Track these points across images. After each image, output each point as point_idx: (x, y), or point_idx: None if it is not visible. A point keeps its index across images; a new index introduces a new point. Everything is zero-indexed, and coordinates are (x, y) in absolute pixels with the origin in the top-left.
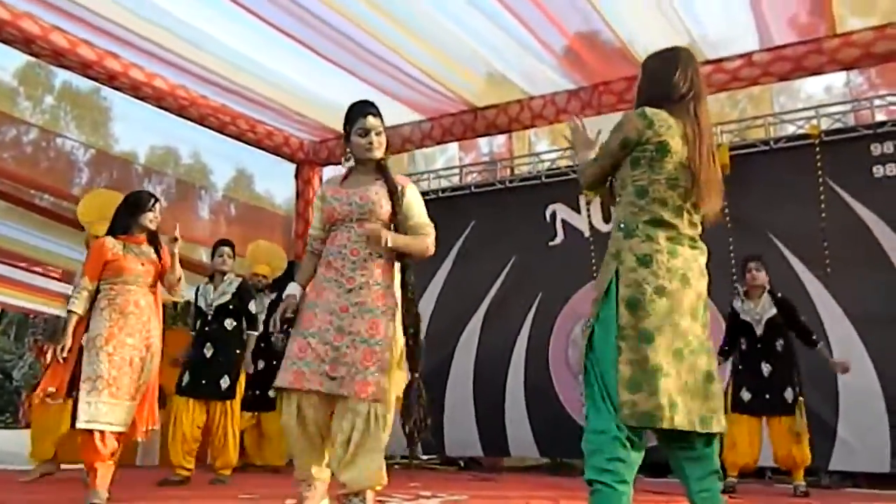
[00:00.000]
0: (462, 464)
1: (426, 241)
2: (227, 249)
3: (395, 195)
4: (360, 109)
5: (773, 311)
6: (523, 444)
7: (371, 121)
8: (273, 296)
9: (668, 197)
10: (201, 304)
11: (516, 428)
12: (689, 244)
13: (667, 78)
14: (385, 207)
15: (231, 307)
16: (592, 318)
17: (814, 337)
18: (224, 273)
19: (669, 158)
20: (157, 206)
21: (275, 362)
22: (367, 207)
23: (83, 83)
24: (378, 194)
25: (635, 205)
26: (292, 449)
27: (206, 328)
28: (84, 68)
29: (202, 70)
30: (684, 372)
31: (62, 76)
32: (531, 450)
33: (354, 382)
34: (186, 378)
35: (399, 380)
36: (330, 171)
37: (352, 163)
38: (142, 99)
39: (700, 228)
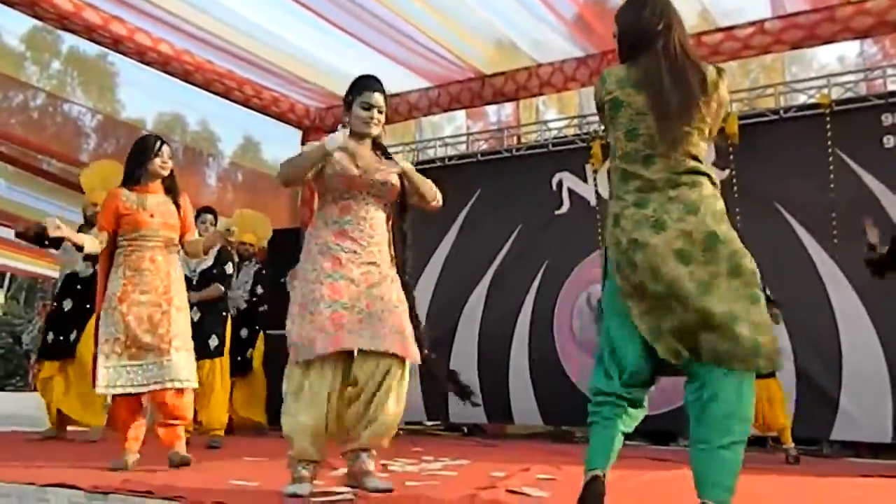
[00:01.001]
0: (466, 430)
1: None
2: (209, 217)
3: (403, 176)
4: (368, 84)
5: None
6: (527, 411)
7: (377, 97)
8: (257, 266)
9: (631, 149)
10: (185, 271)
11: (520, 396)
12: (667, 186)
13: (631, 27)
14: (398, 187)
15: (214, 272)
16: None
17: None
18: None
19: (624, 111)
20: (165, 148)
21: (257, 328)
22: (388, 188)
23: (90, 48)
24: (395, 178)
25: (612, 166)
26: (305, 425)
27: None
28: (89, 32)
29: (208, 35)
30: (679, 313)
31: (69, 41)
32: (535, 417)
33: (396, 343)
34: None
35: None
36: None
37: (347, 131)
38: (147, 64)
39: (691, 160)
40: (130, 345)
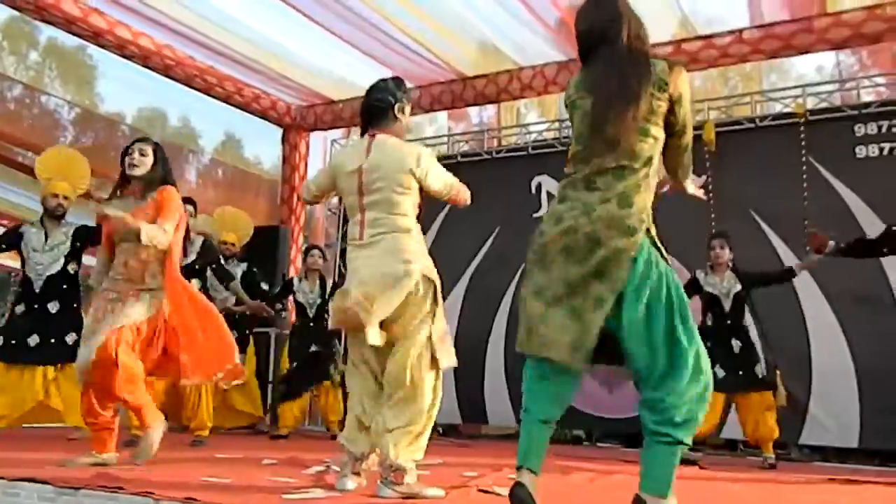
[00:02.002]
0: (441, 430)
1: None
2: (189, 207)
3: None
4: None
5: (739, 286)
6: (501, 412)
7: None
8: (244, 265)
9: (576, 150)
10: None
11: (495, 397)
12: (585, 186)
13: (583, 30)
14: None
15: (197, 267)
16: None
17: (787, 269)
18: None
19: (576, 115)
20: (137, 145)
21: (247, 331)
22: None
23: (69, 40)
24: None
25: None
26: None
27: None
28: (68, 24)
29: (189, 30)
30: (561, 310)
31: (47, 32)
32: (509, 418)
33: None
34: None
35: None
36: (317, 137)
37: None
38: (128, 58)
39: (629, 157)
40: (86, 333)
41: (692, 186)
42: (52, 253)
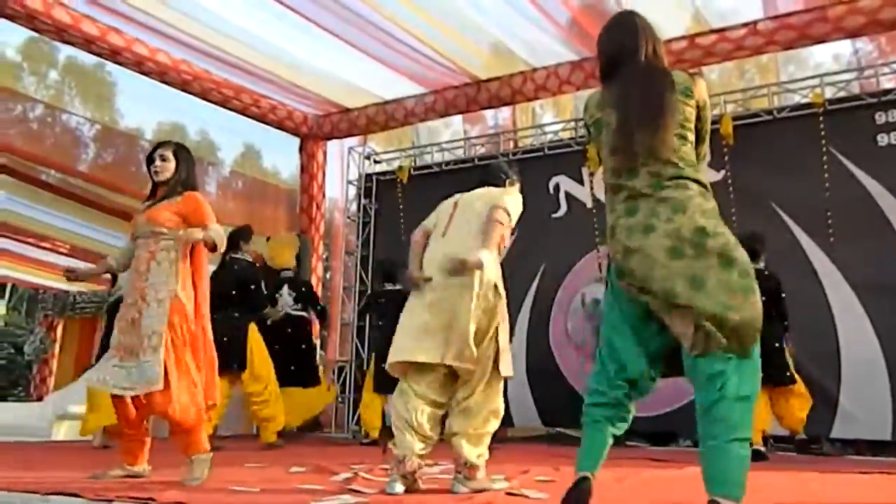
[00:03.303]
0: None
1: None
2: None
3: None
4: None
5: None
6: (526, 415)
7: None
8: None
9: (616, 163)
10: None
11: (519, 399)
12: (652, 191)
13: (605, 50)
14: None
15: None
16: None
17: (785, 324)
18: None
19: (606, 130)
20: (158, 152)
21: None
22: None
23: (87, 58)
24: None
25: (604, 179)
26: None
27: None
28: (87, 44)
29: (205, 45)
30: (675, 308)
31: (66, 51)
32: (534, 420)
33: None
34: None
35: None
36: (333, 146)
37: None
38: (145, 74)
39: (673, 167)
40: (119, 349)
41: None
42: None
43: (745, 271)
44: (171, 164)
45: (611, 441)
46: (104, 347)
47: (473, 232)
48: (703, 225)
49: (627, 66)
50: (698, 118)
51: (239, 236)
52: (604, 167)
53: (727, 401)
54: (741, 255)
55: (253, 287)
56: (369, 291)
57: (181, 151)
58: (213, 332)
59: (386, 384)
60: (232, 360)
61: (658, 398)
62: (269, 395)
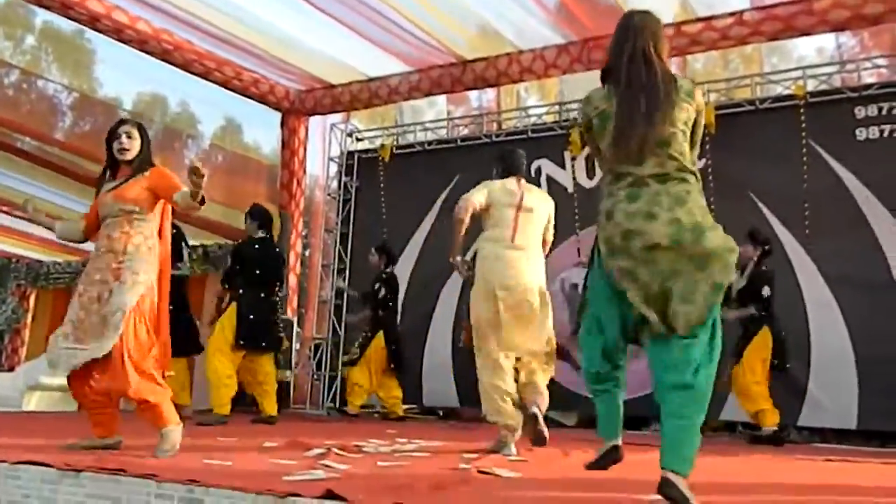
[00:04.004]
0: (441, 414)
1: None
2: None
3: None
4: None
5: (743, 282)
6: None
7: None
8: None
9: (621, 152)
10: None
11: None
12: (655, 181)
13: (613, 50)
14: None
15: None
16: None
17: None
18: None
19: (612, 120)
20: (123, 129)
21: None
22: None
23: (65, 24)
24: None
25: (604, 170)
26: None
27: None
28: (64, 9)
29: (187, 15)
30: (664, 288)
31: (43, 16)
32: None
33: None
34: None
35: None
36: (316, 122)
37: None
38: (125, 42)
39: (674, 161)
40: (78, 326)
41: None
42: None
43: (724, 268)
44: (137, 143)
45: (622, 405)
46: None
47: (538, 245)
48: (700, 221)
49: (635, 64)
50: (695, 122)
51: (264, 217)
52: (605, 155)
53: (700, 383)
54: (727, 254)
55: (275, 267)
56: (384, 272)
57: (143, 130)
58: (245, 311)
59: (401, 363)
60: (263, 339)
61: (631, 383)
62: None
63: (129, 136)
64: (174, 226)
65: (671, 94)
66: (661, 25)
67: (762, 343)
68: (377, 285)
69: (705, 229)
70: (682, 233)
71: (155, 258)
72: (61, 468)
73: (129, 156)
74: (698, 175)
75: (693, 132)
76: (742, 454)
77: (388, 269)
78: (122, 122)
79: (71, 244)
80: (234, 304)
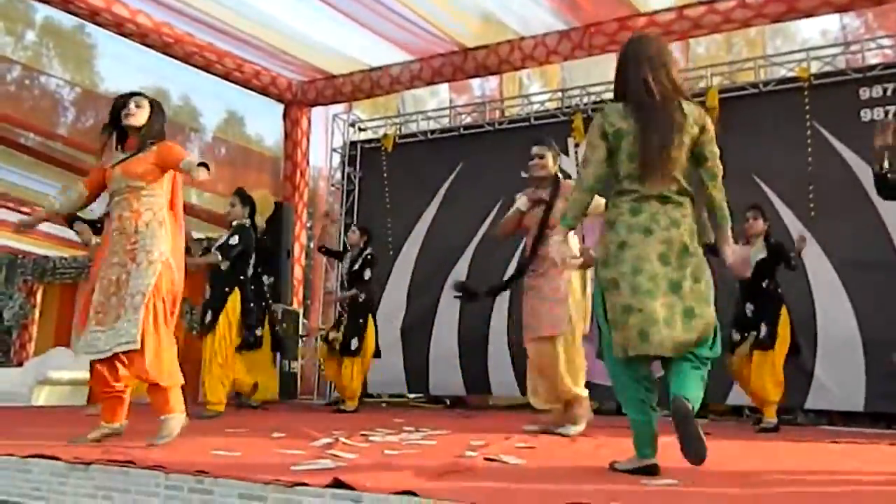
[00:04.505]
0: (448, 402)
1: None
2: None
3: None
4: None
5: (764, 254)
6: (505, 383)
7: (534, 149)
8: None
9: (632, 169)
10: None
11: (498, 368)
12: (657, 201)
13: (624, 69)
14: None
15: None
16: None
17: (793, 263)
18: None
19: (626, 139)
20: (132, 98)
21: (263, 303)
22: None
23: (66, 19)
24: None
25: (612, 184)
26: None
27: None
28: (65, 3)
29: (188, 7)
30: (660, 307)
31: (43, 11)
32: (512, 389)
33: None
34: None
35: None
36: (318, 113)
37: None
38: (125, 36)
39: (677, 183)
40: (100, 310)
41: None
42: None
43: (706, 287)
44: (145, 112)
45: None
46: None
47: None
48: (688, 244)
49: (649, 89)
50: (703, 140)
51: (253, 203)
52: (620, 170)
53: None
54: (707, 274)
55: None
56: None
57: (156, 104)
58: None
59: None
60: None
61: None
62: None
63: (139, 105)
64: None
65: (683, 125)
66: (669, 50)
67: (786, 334)
68: (360, 264)
69: (689, 251)
70: (671, 253)
71: (167, 233)
72: (70, 462)
73: (136, 122)
74: (694, 197)
75: (704, 147)
76: (747, 438)
77: (369, 249)
78: (134, 92)
79: (78, 241)
80: (237, 291)
